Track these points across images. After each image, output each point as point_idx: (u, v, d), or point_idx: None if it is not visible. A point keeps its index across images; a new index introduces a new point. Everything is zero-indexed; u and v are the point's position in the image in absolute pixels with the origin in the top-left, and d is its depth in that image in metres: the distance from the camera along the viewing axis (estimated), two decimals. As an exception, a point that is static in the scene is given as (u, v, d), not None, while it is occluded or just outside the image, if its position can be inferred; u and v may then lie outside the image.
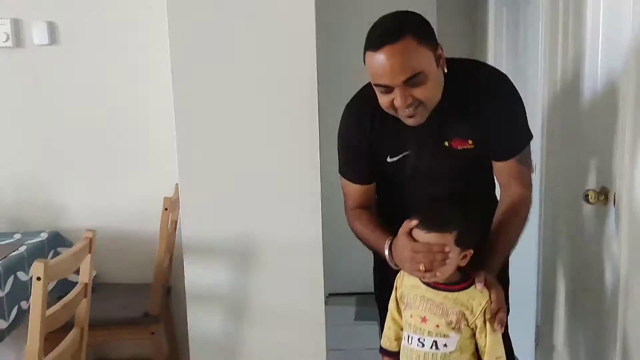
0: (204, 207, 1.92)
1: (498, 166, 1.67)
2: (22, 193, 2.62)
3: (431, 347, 1.53)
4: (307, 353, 1.97)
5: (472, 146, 1.61)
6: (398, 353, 1.63)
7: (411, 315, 1.56)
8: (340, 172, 1.75)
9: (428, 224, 1.49)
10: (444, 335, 1.52)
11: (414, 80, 1.45)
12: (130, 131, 2.63)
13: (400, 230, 1.53)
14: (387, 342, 1.66)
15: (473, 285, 1.51)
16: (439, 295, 1.52)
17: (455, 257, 1.49)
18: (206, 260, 1.95)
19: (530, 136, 1.67)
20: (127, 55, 2.59)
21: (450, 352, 1.52)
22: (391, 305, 1.63)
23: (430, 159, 1.65)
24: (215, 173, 1.91)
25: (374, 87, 1.52)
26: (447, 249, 1.47)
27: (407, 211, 1.58)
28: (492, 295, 1.48)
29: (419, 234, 1.50)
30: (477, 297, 1.51)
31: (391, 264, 1.59)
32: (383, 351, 1.68)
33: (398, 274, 1.62)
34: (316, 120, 1.87)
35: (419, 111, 1.51)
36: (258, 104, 1.88)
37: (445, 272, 1.49)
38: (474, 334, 1.52)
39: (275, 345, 1.97)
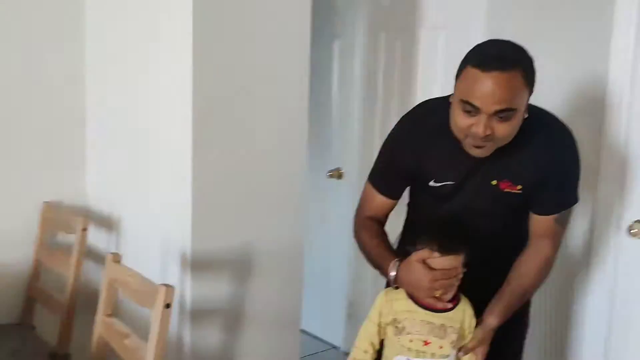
0: (213, 221, 1.93)
1: (536, 219, 1.60)
2: None
3: None
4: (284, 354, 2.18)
5: (520, 192, 1.56)
6: None
7: (411, 340, 1.52)
8: (370, 178, 1.70)
9: (445, 248, 1.47)
10: (445, 355, 1.53)
11: (504, 114, 1.40)
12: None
13: (415, 258, 1.49)
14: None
15: (461, 301, 1.53)
16: (440, 318, 1.51)
17: (460, 278, 1.50)
18: (210, 274, 1.96)
19: (576, 200, 1.61)
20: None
21: None
22: (372, 329, 1.57)
23: (473, 193, 1.59)
24: (224, 187, 1.94)
25: (459, 103, 1.43)
26: (459, 271, 1.48)
27: None
28: (476, 336, 1.52)
29: (436, 259, 1.47)
30: (466, 311, 1.55)
31: (392, 285, 1.55)
32: None
33: (381, 300, 1.56)
34: (305, 137, 2.12)
35: (488, 145, 1.46)
36: (258, 119, 2.01)
37: (451, 295, 1.51)
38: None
39: (262, 349, 2.11)
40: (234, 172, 1.96)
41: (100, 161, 2.37)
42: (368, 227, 1.67)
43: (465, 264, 1.47)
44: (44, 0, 2.27)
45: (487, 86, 1.37)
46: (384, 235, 1.66)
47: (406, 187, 1.68)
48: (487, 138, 1.41)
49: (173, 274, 1.97)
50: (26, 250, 2.29)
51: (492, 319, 1.53)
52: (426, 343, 1.50)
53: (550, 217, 1.57)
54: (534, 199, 1.57)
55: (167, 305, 1.45)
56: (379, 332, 1.55)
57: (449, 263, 1.46)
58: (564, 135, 1.56)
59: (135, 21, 2.11)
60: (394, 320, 1.52)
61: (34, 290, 2.27)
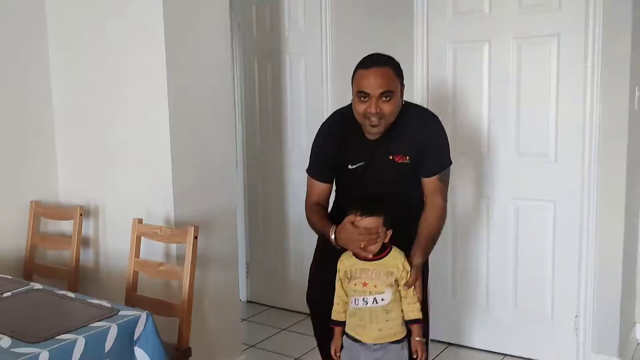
0: (186, 195, 2.78)
1: (425, 181, 2.17)
2: None
3: (372, 303, 2.00)
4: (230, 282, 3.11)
5: (409, 161, 2.12)
6: (344, 323, 2.11)
7: (355, 284, 2.03)
8: (309, 172, 2.27)
9: (366, 211, 1.97)
10: (381, 292, 2.00)
11: (386, 94, 1.99)
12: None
13: (345, 220, 2.00)
14: (337, 314, 2.12)
15: (391, 252, 2.02)
16: (373, 265, 2.01)
17: (382, 235, 1.98)
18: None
19: (449, 162, 2.19)
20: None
21: (387, 304, 2.01)
22: (337, 285, 2.09)
23: (378, 167, 2.14)
24: (191, 173, 2.81)
25: (356, 95, 2.03)
26: (379, 230, 1.96)
27: None
28: (412, 274, 2.02)
29: (359, 220, 1.97)
30: (397, 258, 2.02)
31: (335, 245, 2.07)
32: (334, 322, 2.13)
33: (339, 261, 2.08)
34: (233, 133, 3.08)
35: (381, 122, 2.03)
36: (207, 123, 2.94)
37: (375, 248, 1.99)
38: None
39: (218, 280, 3.01)
40: (195, 163, 2.86)
41: (71, 165, 3.09)
42: (314, 210, 2.23)
43: (388, 224, 1.99)
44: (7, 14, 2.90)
45: (371, 77, 2.01)
46: (325, 212, 2.24)
47: (334, 172, 2.23)
48: (379, 115, 2.02)
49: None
50: (18, 240, 2.96)
51: (417, 259, 2.07)
52: (364, 284, 2.03)
53: (434, 178, 2.17)
54: (419, 166, 2.16)
55: (195, 237, 2.36)
56: (342, 286, 2.10)
57: (370, 223, 1.97)
58: (432, 119, 2.23)
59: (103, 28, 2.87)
60: (346, 273, 2.06)
61: (30, 266, 2.93)
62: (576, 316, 3.11)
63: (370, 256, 2.02)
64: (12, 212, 2.95)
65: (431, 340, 3.48)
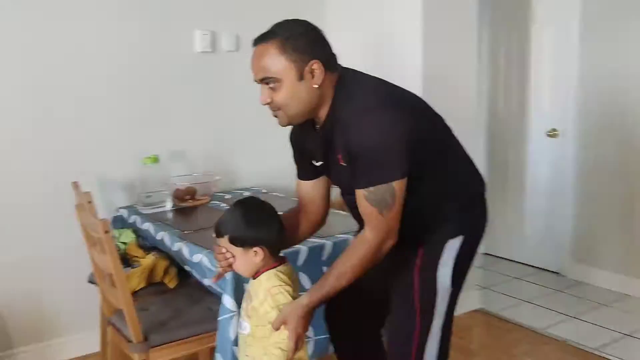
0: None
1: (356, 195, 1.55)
2: (208, 165, 3.34)
3: (238, 327, 1.72)
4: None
5: (345, 165, 1.55)
6: None
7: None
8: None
9: (214, 230, 1.65)
10: (243, 318, 1.66)
11: (270, 83, 1.51)
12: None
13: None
14: None
15: (261, 275, 1.61)
16: (250, 285, 1.65)
17: (241, 255, 1.59)
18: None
19: (384, 179, 1.48)
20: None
21: (247, 335, 1.61)
22: None
23: (333, 168, 1.64)
24: None
25: None
26: (223, 250, 1.61)
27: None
28: (280, 314, 1.55)
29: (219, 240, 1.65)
30: (261, 285, 1.58)
31: None
32: None
33: None
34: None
35: (279, 114, 1.56)
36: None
37: (236, 268, 1.64)
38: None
39: None
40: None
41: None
42: (285, 216, 1.77)
43: (239, 244, 1.61)
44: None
45: (252, 59, 1.54)
46: (287, 221, 1.74)
47: (313, 169, 1.76)
48: (272, 106, 1.56)
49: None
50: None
51: (304, 297, 1.57)
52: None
53: (360, 194, 1.52)
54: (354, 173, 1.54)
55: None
56: None
57: (220, 242, 1.65)
58: (370, 117, 1.49)
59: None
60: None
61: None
62: None
63: (219, 272, 1.75)
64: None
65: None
